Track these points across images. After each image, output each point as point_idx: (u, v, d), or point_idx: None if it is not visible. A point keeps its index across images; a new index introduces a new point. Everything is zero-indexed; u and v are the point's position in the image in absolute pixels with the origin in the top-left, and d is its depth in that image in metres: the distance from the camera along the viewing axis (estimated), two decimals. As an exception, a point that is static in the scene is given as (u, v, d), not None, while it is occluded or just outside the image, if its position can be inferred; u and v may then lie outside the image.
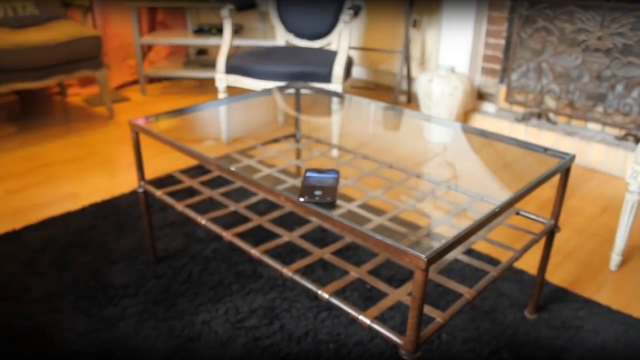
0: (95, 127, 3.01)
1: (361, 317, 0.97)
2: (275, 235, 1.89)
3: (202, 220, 1.37)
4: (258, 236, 1.88)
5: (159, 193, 1.53)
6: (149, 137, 1.46)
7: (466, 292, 1.07)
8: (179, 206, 1.46)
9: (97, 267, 1.70)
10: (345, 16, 2.55)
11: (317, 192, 1.06)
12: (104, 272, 1.67)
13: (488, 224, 1.02)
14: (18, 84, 2.74)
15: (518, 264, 1.77)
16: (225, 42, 2.66)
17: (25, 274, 1.66)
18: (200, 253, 1.78)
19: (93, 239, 1.86)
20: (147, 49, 4.01)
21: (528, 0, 2.78)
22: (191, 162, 2.56)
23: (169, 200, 1.49)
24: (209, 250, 1.80)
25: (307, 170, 1.20)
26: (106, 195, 2.21)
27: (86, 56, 2.98)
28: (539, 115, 2.90)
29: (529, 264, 1.77)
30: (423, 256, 0.82)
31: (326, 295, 1.03)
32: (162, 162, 2.55)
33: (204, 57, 4.09)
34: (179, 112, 1.60)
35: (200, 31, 3.66)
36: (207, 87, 3.91)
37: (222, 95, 2.65)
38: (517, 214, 1.44)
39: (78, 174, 2.42)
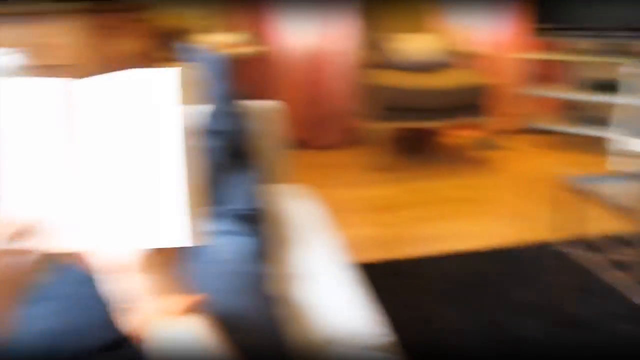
0: (475, 171, 3.11)
1: None
2: None
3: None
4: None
5: (597, 258, 1.45)
6: (576, 196, 1.39)
7: None
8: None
9: (505, 314, 1.71)
10: None
11: None
12: (513, 322, 1.67)
13: None
14: (419, 123, 3.05)
15: None
16: (628, 101, 2.41)
17: (433, 302, 1.78)
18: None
19: (496, 283, 1.89)
20: (528, 98, 3.99)
21: None
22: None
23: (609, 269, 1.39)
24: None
25: None
26: (497, 240, 2.22)
27: (475, 103, 3.12)
28: None
29: None
30: None
31: None
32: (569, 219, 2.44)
33: (589, 113, 3.85)
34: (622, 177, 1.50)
35: (591, 86, 3.46)
36: (591, 144, 3.66)
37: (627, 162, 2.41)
38: None
39: (466, 215, 2.53)
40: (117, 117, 0.54)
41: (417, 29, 3.45)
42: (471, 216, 2.51)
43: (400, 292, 1.85)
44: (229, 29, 3.19)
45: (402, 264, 2.04)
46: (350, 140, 3.63)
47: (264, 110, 1.38)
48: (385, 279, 1.91)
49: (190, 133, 0.53)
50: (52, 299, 0.76)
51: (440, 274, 1.96)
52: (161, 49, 2.46)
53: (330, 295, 0.89)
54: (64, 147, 0.55)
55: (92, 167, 0.55)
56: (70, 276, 0.79)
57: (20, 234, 0.54)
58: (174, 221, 0.51)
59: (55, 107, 0.55)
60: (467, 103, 3.07)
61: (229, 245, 0.81)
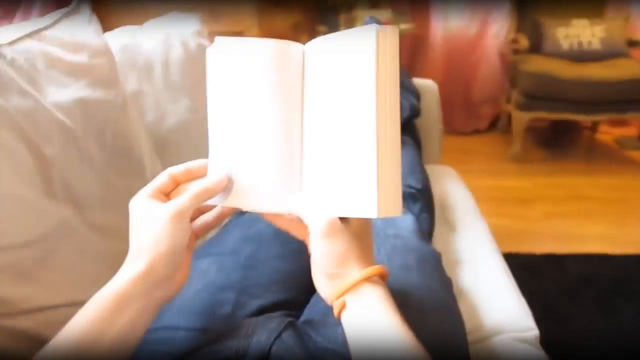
0: (625, 172, 2.88)
1: None
2: None
3: None
4: None
5: None
6: None
7: None
8: None
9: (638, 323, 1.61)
10: None
11: None
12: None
13: None
14: (568, 115, 2.86)
15: None
16: None
17: (566, 302, 1.71)
18: None
19: (636, 292, 1.77)
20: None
21: None
22: None
23: None
24: None
25: None
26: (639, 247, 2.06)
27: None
28: None
29: None
30: None
31: None
32: None
33: None
34: None
35: None
36: None
37: None
38: None
39: (612, 216, 2.36)
40: (327, 81, 0.54)
41: (582, 14, 3.20)
42: (611, 218, 2.34)
43: (529, 287, 1.79)
44: (377, 5, 3.18)
45: (532, 259, 1.96)
46: (491, 127, 3.52)
47: (420, 88, 1.37)
48: (514, 272, 1.86)
49: (390, 99, 0.50)
50: (218, 254, 0.77)
51: (573, 273, 1.87)
52: (320, 21, 2.51)
53: (488, 283, 0.89)
54: (280, 108, 0.56)
55: (301, 130, 0.56)
56: (237, 234, 0.81)
57: (216, 190, 0.56)
58: (369, 192, 0.50)
59: (275, 68, 0.56)
60: (631, 98, 2.82)
61: (399, 221, 0.81)
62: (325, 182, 0.54)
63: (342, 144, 0.52)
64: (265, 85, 0.56)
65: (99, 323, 0.50)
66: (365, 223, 0.57)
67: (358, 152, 0.50)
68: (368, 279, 0.53)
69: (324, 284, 0.55)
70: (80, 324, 0.50)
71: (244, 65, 0.56)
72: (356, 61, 0.50)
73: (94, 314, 0.51)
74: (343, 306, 0.53)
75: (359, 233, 0.56)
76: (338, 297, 0.53)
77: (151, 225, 0.53)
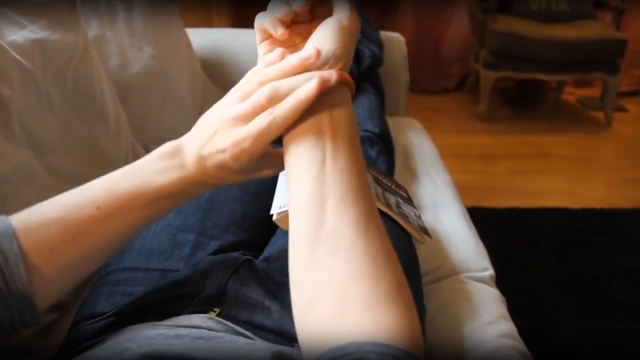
0: (588, 131, 2.95)
1: None
2: None
3: None
4: None
5: None
6: None
7: None
8: None
9: (597, 274, 1.68)
10: None
11: None
12: (604, 283, 1.64)
13: None
14: (535, 74, 2.90)
15: None
16: None
17: (525, 253, 1.77)
18: None
19: (592, 243, 1.84)
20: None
21: None
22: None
23: None
24: None
25: None
26: (604, 204, 2.14)
27: (605, 59, 2.91)
28: None
29: None
30: None
31: None
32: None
33: None
34: None
35: None
36: None
37: None
38: None
39: (573, 173, 2.43)
40: None
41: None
42: (572, 174, 2.41)
43: (490, 240, 1.85)
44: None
45: (495, 213, 2.02)
46: (459, 86, 3.54)
47: (387, 40, 1.37)
48: (477, 226, 1.92)
49: None
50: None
51: (533, 226, 1.94)
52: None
53: (448, 227, 0.92)
54: None
55: None
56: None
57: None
58: None
59: None
60: (595, 58, 2.87)
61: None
62: None
63: None
64: None
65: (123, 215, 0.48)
66: None
67: None
68: None
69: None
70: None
71: None
72: None
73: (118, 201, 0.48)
74: None
75: None
76: None
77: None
